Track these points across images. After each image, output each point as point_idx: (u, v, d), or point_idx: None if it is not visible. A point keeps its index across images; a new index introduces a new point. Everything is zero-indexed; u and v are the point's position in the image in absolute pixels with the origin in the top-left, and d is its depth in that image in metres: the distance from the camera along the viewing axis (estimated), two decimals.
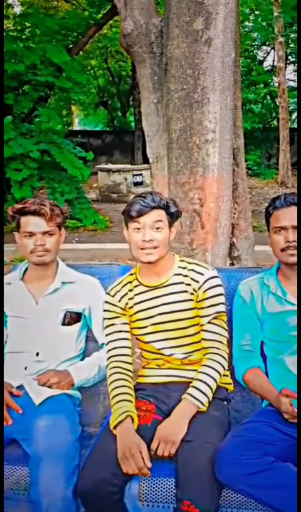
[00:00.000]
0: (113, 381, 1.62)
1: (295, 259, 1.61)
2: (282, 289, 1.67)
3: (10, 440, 1.59)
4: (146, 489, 1.42)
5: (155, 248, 1.60)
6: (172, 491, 1.41)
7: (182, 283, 1.66)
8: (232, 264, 2.72)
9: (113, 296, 1.71)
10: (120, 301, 1.70)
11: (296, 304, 1.63)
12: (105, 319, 1.71)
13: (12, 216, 1.75)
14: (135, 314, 1.69)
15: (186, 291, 1.65)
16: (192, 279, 1.65)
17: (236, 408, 1.80)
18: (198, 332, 1.66)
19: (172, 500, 1.40)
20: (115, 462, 1.39)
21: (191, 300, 1.65)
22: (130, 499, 1.41)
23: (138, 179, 10.05)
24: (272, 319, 1.67)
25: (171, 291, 1.66)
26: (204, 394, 1.54)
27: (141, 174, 10.07)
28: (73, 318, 1.79)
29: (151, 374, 1.72)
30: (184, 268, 1.69)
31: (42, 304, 1.77)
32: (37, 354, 1.73)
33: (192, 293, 1.65)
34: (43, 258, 1.74)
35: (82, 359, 1.83)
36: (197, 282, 1.64)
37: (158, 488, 1.42)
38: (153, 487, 1.42)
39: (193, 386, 1.56)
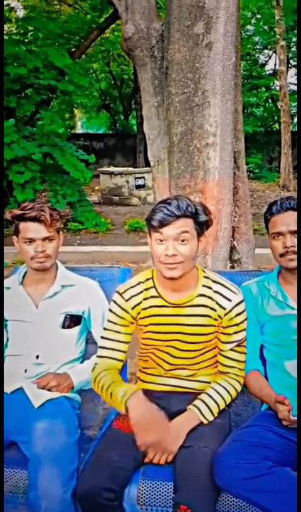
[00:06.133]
0: (102, 378, 1.53)
1: (294, 264, 1.61)
2: (283, 293, 1.67)
3: (9, 442, 1.59)
4: (145, 493, 1.42)
5: (179, 263, 1.43)
6: (170, 495, 1.40)
7: (206, 306, 1.53)
8: (232, 267, 2.72)
9: (127, 301, 1.56)
10: (133, 309, 1.56)
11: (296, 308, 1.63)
12: (109, 321, 1.61)
13: (10, 221, 1.75)
14: (147, 325, 1.58)
15: (210, 316, 1.53)
16: (218, 304, 1.52)
17: (236, 412, 1.79)
18: (211, 352, 1.60)
19: (171, 504, 1.39)
20: (113, 468, 1.38)
21: (213, 325, 1.54)
22: (128, 503, 1.41)
23: (140, 181, 10.07)
24: (272, 322, 1.67)
25: (193, 313, 1.54)
26: (211, 411, 1.51)
27: (143, 177, 10.08)
28: (72, 321, 1.79)
29: (153, 381, 1.66)
30: (209, 288, 1.54)
31: (42, 308, 1.77)
32: (37, 357, 1.73)
33: (215, 319, 1.53)
34: (44, 264, 1.73)
35: (82, 362, 1.83)
36: (224, 308, 1.52)
37: (157, 492, 1.42)
38: (152, 491, 1.42)
39: (201, 400, 1.53)
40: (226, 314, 1.52)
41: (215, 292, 1.53)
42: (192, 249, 1.45)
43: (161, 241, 1.43)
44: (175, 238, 1.42)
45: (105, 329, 1.62)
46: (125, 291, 1.57)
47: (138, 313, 1.57)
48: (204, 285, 1.55)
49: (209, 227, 1.50)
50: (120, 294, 1.58)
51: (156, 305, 1.55)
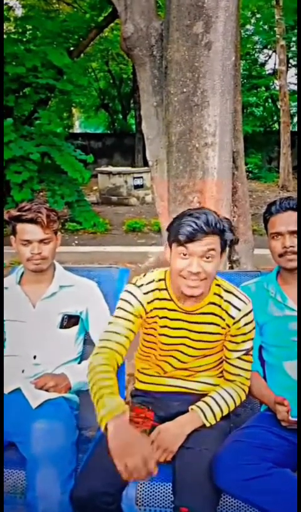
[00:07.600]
0: (96, 373, 1.37)
1: (293, 264, 1.61)
2: (282, 294, 1.66)
3: (7, 443, 1.58)
4: (143, 494, 1.42)
5: (202, 280, 1.40)
6: (169, 496, 1.40)
7: (215, 314, 1.52)
8: (231, 267, 2.71)
9: (144, 294, 1.52)
10: (148, 303, 1.52)
11: (296, 309, 1.63)
12: (119, 308, 1.53)
13: (7, 221, 1.74)
14: (156, 329, 1.55)
15: (218, 325, 1.52)
16: (227, 314, 1.51)
17: (236, 413, 1.78)
18: (213, 356, 1.59)
19: (169, 504, 1.39)
20: (110, 471, 1.34)
21: (220, 333, 1.54)
22: (127, 504, 1.41)
23: (139, 181, 10.06)
24: (271, 323, 1.67)
25: (202, 320, 1.53)
26: (214, 415, 1.50)
27: (141, 177, 10.08)
28: (70, 321, 1.79)
29: (152, 381, 1.65)
30: (220, 296, 1.53)
31: (40, 308, 1.77)
32: (34, 357, 1.72)
33: (223, 328, 1.53)
34: (40, 266, 1.73)
35: (80, 363, 1.82)
36: (233, 318, 1.51)
37: (155, 492, 1.42)
38: (150, 492, 1.42)
39: (205, 402, 1.52)
40: (234, 323, 1.52)
41: (225, 301, 1.52)
42: (215, 267, 1.42)
43: (185, 255, 1.39)
44: (201, 255, 1.38)
45: (110, 322, 1.54)
46: (141, 285, 1.53)
47: (150, 310, 1.53)
48: (215, 293, 1.53)
49: (232, 244, 1.46)
50: (138, 287, 1.53)
51: (167, 308, 1.53)
